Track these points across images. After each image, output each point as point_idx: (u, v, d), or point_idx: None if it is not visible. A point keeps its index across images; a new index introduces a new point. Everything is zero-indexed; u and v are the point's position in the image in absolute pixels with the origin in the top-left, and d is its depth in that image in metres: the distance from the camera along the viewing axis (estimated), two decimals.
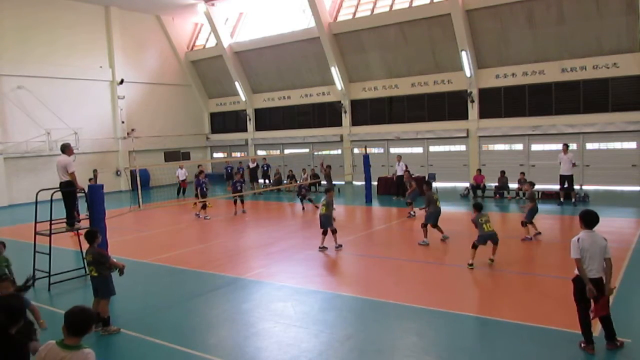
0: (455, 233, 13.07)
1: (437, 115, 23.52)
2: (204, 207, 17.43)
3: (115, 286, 7.40)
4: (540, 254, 10.94)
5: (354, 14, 24.82)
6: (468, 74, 21.90)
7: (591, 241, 5.75)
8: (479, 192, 19.38)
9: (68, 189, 10.17)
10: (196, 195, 17.52)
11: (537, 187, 19.11)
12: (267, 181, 25.02)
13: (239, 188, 17.70)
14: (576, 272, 5.82)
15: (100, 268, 7.15)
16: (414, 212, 15.57)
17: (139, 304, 8.51)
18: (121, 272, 7.23)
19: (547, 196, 17.94)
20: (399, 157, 20.68)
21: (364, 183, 20.06)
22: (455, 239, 12.41)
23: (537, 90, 21.11)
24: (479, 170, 20.00)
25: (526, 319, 6.97)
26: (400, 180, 19.97)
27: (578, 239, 5.78)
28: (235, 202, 17.94)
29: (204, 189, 17.32)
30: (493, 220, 15.73)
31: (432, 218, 11.95)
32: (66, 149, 10.27)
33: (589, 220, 5.86)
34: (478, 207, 10.28)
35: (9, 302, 3.63)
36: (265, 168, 25.24)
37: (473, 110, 22.47)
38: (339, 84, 25.57)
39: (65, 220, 10.28)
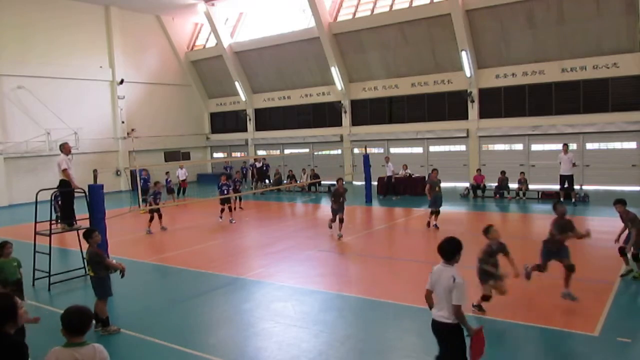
0: (455, 233, 13.07)
1: (437, 115, 23.52)
2: (222, 210, 16.29)
3: (114, 286, 7.38)
4: (539, 255, 10.91)
5: (354, 14, 24.82)
6: (468, 74, 21.89)
7: (437, 277, 4.74)
8: (479, 192, 19.38)
9: (66, 189, 10.17)
10: (227, 192, 16.37)
11: (536, 187, 19.30)
12: (267, 181, 25.05)
13: (225, 192, 16.27)
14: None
15: (96, 268, 7.12)
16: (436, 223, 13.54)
17: (139, 304, 8.51)
18: (122, 274, 7.20)
19: (547, 196, 17.95)
20: (387, 157, 20.59)
21: (364, 183, 20.06)
22: None
23: (537, 90, 21.10)
24: (479, 170, 20.00)
25: (526, 319, 6.97)
26: (390, 181, 19.99)
27: (432, 270, 4.88)
28: (223, 207, 16.38)
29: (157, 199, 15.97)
30: (492, 220, 15.82)
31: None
32: (62, 147, 10.31)
33: (440, 250, 4.78)
34: (624, 202, 8.54)
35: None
36: (265, 168, 25.28)
37: (473, 110, 22.47)
38: (339, 84, 25.57)
39: (55, 220, 10.26)
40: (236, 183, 18.08)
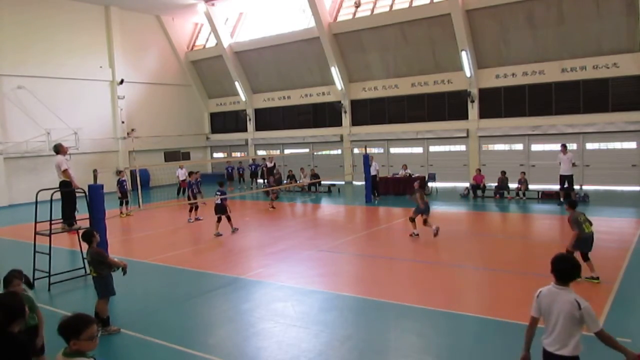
0: (455, 233, 13.08)
1: (437, 115, 23.52)
2: (196, 208, 16.89)
3: (115, 286, 7.38)
4: (540, 255, 10.91)
5: (354, 14, 24.81)
6: (468, 74, 21.89)
7: (550, 301, 4.01)
8: (479, 192, 19.39)
9: (66, 189, 10.17)
10: (188, 197, 17.49)
11: (537, 187, 19.31)
12: (264, 181, 25.13)
13: (195, 190, 16.82)
14: (542, 345, 4.11)
15: (99, 268, 7.13)
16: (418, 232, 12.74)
17: (139, 304, 8.51)
18: (124, 271, 7.21)
19: (547, 196, 17.96)
20: (372, 156, 20.46)
21: (364, 183, 20.08)
22: (456, 239, 12.41)
23: (537, 90, 21.10)
24: (479, 170, 20.00)
25: (526, 319, 6.93)
26: (374, 181, 19.90)
27: (539, 293, 4.17)
28: (190, 209, 16.73)
29: (194, 190, 16.91)
30: (492, 220, 15.86)
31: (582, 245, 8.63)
32: (58, 148, 10.32)
33: (559, 270, 4.02)
34: (573, 205, 8.87)
35: (6, 300, 3.60)
36: (257, 168, 25.70)
37: (473, 110, 22.47)
38: (339, 84, 25.57)
39: (61, 220, 10.26)
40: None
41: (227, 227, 14.30)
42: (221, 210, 14.15)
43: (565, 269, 4.01)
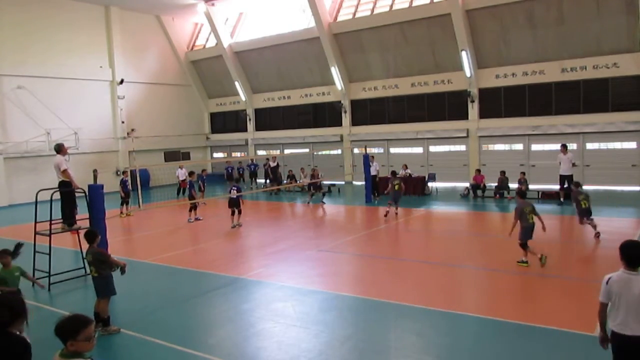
0: (455, 233, 13.08)
1: (437, 115, 23.52)
2: (195, 208, 16.88)
3: (115, 286, 7.39)
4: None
5: (354, 14, 24.82)
6: (468, 74, 21.89)
7: (623, 285, 4.18)
8: (479, 192, 19.39)
9: (65, 189, 10.17)
10: (190, 196, 17.31)
11: (537, 187, 19.31)
12: (267, 181, 25.16)
13: (200, 189, 17.32)
14: (611, 327, 4.28)
15: (101, 268, 7.14)
16: (390, 211, 15.83)
17: (139, 304, 8.50)
18: (123, 271, 7.22)
19: (547, 196, 17.95)
20: (372, 156, 20.47)
21: (364, 183, 20.07)
22: (456, 239, 12.41)
23: (537, 90, 21.10)
24: (478, 171, 20.00)
25: (526, 319, 6.97)
26: (374, 181, 19.94)
27: (608, 279, 4.27)
28: (190, 209, 16.66)
29: (193, 190, 16.99)
30: (493, 220, 15.85)
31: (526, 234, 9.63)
32: (59, 148, 10.33)
33: (631, 255, 4.21)
34: (522, 195, 9.93)
35: (9, 298, 3.59)
36: (256, 168, 25.64)
37: (473, 110, 22.47)
38: (339, 84, 25.57)
39: (61, 220, 10.26)
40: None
41: (229, 223, 14.32)
42: (235, 204, 14.84)
43: (635, 255, 4.21)
